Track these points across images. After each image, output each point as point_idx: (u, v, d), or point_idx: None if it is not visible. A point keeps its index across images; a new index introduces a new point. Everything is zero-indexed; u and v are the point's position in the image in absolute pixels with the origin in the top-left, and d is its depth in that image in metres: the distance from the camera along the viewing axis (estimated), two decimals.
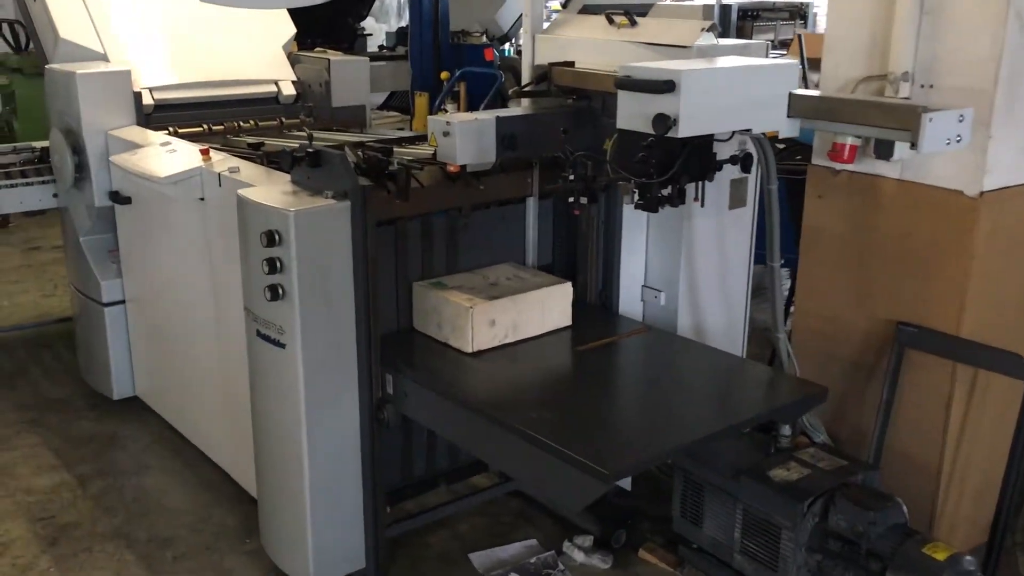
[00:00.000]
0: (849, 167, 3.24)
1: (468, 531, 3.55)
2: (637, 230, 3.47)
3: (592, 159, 2.84)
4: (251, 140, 3.94)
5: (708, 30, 3.17)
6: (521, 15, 11.79)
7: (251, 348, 3.07)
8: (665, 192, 2.59)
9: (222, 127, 4.49)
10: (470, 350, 3.05)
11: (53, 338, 5.37)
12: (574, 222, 3.52)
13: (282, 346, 2.89)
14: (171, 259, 3.89)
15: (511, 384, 2.94)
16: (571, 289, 3.28)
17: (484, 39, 9.55)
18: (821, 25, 9.69)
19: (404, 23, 13.99)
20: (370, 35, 11.78)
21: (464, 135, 3.06)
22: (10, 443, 4.19)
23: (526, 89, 3.42)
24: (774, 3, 9.14)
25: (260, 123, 4.59)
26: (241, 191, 2.97)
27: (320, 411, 2.93)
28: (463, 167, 3.12)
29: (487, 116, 3.15)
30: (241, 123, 4.54)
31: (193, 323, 3.81)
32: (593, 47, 3.43)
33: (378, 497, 3.08)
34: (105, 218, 4.25)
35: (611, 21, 3.47)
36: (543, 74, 3.39)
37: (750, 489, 2.87)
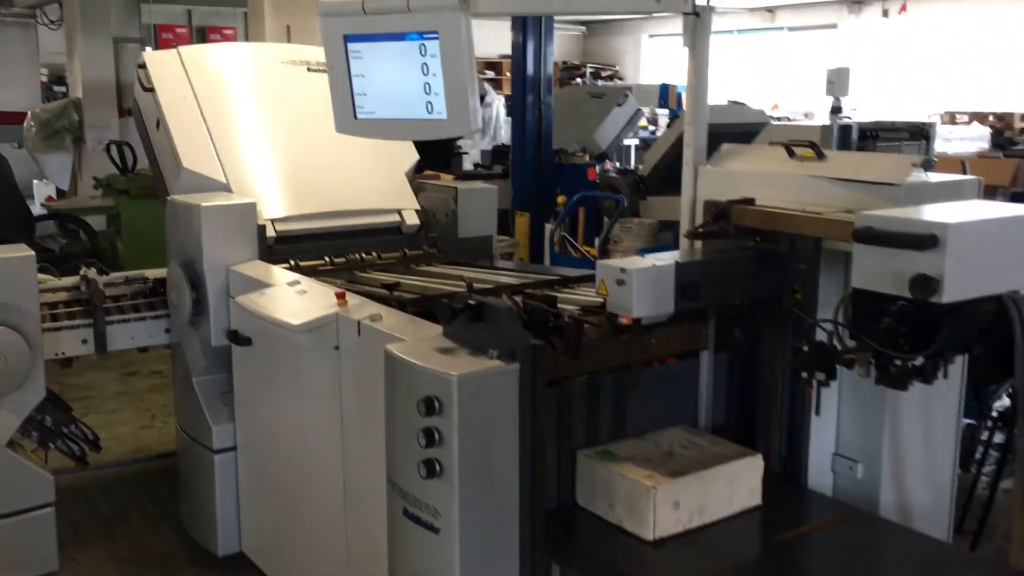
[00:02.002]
0: None
1: None
2: (828, 390, 3.00)
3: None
4: (385, 279, 3.61)
5: (919, 165, 2.78)
6: (620, 133, 11.52)
7: (394, 526, 2.65)
8: (915, 363, 2.15)
9: (344, 259, 4.22)
10: (651, 537, 2.59)
11: (152, 477, 5.04)
12: (752, 380, 3.09)
13: (435, 531, 2.47)
14: (294, 408, 3.53)
15: None
16: (762, 463, 2.81)
17: (587, 158, 9.37)
18: (941, 146, 9.23)
19: (490, 141, 13.98)
20: (466, 153, 11.73)
21: (641, 283, 2.68)
22: None
23: (703, 230, 3.03)
24: (893, 123, 8.65)
25: (383, 255, 4.31)
26: (390, 347, 2.61)
27: None
28: (637, 319, 2.73)
29: (665, 262, 2.77)
30: (363, 255, 4.27)
31: (315, 480, 3.43)
32: (772, 182, 3.04)
33: None
34: (221, 358, 3.94)
35: (791, 154, 3.11)
36: (721, 212, 3.01)
37: None
